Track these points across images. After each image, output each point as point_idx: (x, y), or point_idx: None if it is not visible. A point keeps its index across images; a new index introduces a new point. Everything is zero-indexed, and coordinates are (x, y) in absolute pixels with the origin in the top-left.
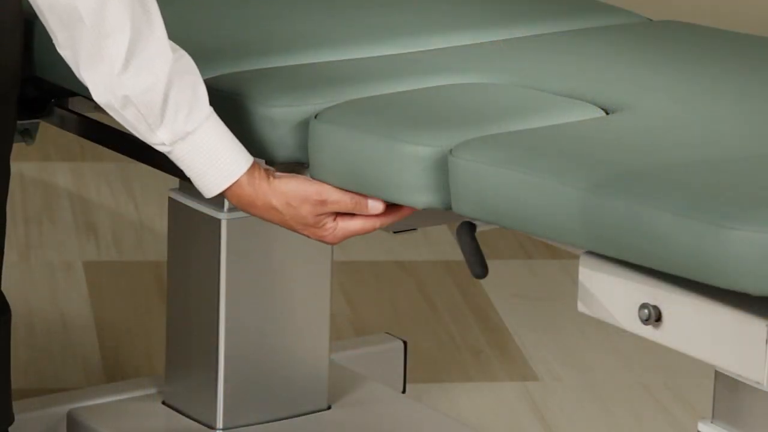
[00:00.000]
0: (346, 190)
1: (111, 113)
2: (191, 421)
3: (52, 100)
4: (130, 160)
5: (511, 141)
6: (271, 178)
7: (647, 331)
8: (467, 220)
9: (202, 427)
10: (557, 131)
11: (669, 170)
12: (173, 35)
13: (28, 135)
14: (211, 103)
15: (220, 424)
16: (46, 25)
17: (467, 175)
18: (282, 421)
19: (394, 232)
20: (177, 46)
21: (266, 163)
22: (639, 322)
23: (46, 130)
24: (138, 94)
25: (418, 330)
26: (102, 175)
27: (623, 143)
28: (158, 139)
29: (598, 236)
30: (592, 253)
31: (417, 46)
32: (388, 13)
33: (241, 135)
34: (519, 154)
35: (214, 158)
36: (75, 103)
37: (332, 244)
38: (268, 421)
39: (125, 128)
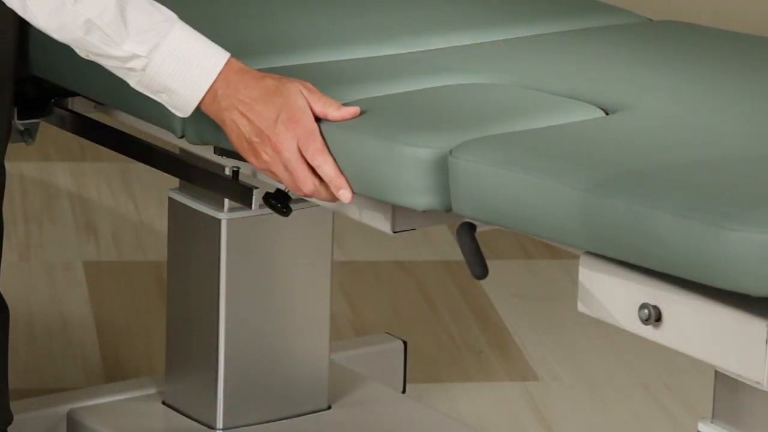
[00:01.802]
0: None
1: (73, 45)
2: (191, 421)
3: (52, 100)
4: (130, 160)
5: (511, 141)
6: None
7: (647, 331)
8: (467, 220)
9: (202, 427)
10: (557, 131)
11: (669, 170)
12: None
13: (28, 135)
14: None
15: (220, 424)
16: None
17: (467, 175)
18: (282, 421)
19: (394, 232)
20: None
21: None
22: (639, 322)
23: (46, 130)
24: (97, 15)
25: (418, 330)
26: (102, 175)
27: (623, 143)
28: (129, 51)
29: (598, 236)
30: (592, 254)
31: (417, 46)
32: (388, 13)
33: None
34: (519, 154)
35: (196, 53)
36: (75, 103)
37: (273, 150)
38: (268, 421)
39: (125, 128)
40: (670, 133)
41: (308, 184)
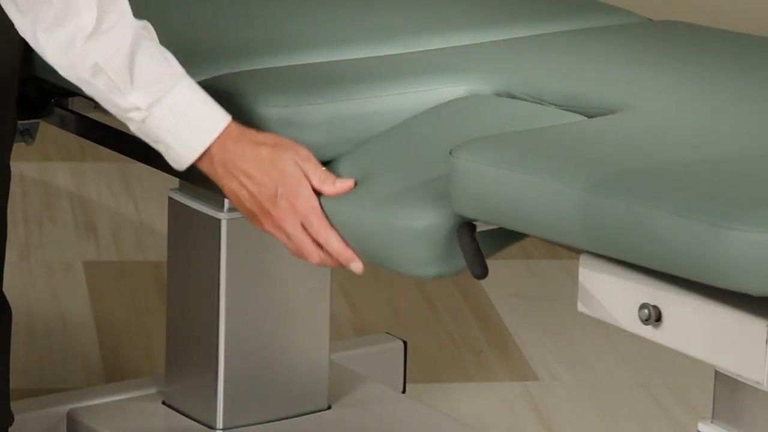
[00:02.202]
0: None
1: (79, 84)
2: (191, 421)
3: (52, 100)
4: (130, 160)
5: (511, 141)
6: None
7: (647, 331)
8: (467, 220)
9: (202, 427)
10: (557, 131)
11: (669, 170)
12: (173, 35)
13: (28, 135)
14: None
15: (220, 424)
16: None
17: (467, 175)
18: (282, 421)
19: None
20: (140, 20)
21: None
22: (639, 322)
23: (46, 130)
24: (106, 60)
25: (418, 330)
26: (102, 175)
27: (623, 143)
28: (132, 103)
29: (598, 236)
30: (592, 253)
31: (417, 46)
32: (388, 13)
33: None
34: (519, 154)
35: (196, 114)
36: (75, 103)
37: (274, 222)
38: (268, 421)
39: (125, 128)
40: (670, 133)
41: (314, 256)
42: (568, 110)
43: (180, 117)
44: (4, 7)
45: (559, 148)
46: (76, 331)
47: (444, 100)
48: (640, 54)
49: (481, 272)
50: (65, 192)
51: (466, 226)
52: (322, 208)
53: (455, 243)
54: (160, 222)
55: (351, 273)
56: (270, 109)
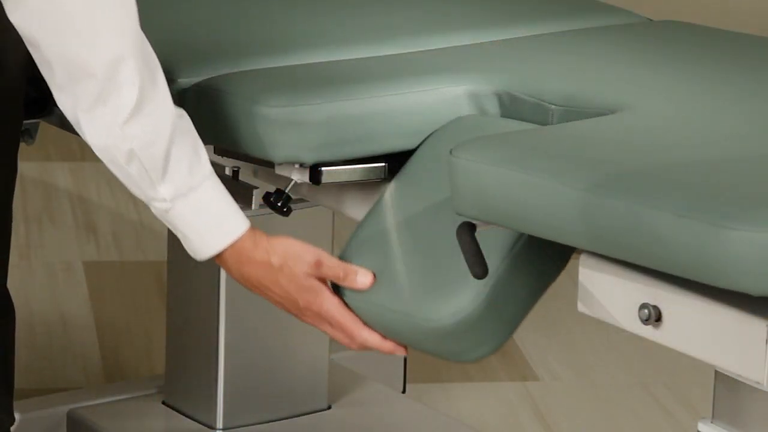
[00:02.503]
0: (339, 260)
1: (110, 166)
2: (191, 421)
3: (53, 100)
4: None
5: (510, 141)
6: (270, 238)
7: (647, 331)
8: (467, 220)
9: (202, 427)
10: (557, 131)
11: (669, 170)
12: (174, 35)
13: (28, 135)
14: (211, 103)
15: (220, 424)
16: (47, 71)
17: (467, 175)
18: (282, 421)
19: None
20: (177, 107)
21: (265, 163)
22: (639, 322)
23: (46, 130)
24: (142, 147)
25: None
26: (102, 175)
27: (623, 143)
28: (160, 194)
29: (598, 236)
30: (592, 253)
31: (417, 46)
32: (388, 13)
33: (241, 135)
34: (519, 154)
35: (216, 215)
36: None
37: (309, 321)
38: (268, 421)
39: None
40: (670, 133)
41: (355, 347)
42: (567, 110)
43: (201, 215)
44: (46, 79)
45: (559, 148)
46: (76, 331)
47: (444, 100)
48: (640, 54)
49: (481, 272)
50: (65, 192)
51: (466, 225)
52: (347, 304)
53: (485, 327)
54: (160, 222)
55: None
56: (270, 109)
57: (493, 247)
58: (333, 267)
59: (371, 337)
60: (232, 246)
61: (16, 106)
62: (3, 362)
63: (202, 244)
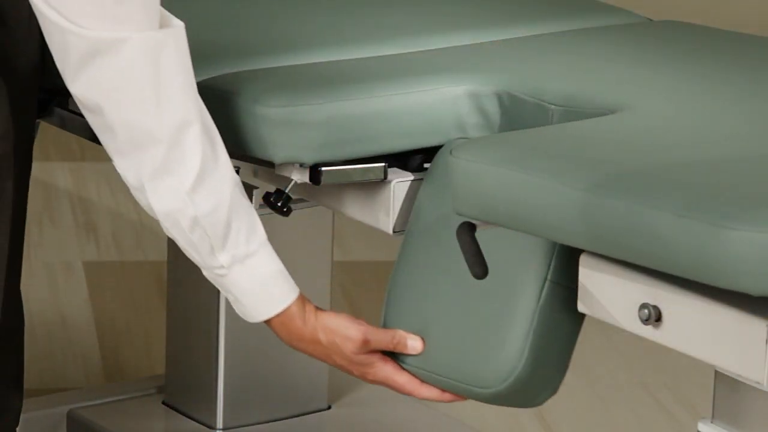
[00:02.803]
0: (387, 329)
1: (172, 231)
2: (191, 421)
3: (53, 100)
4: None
5: (510, 141)
6: (318, 312)
7: (647, 331)
8: (467, 220)
9: (202, 427)
10: (557, 131)
11: (669, 170)
12: None
13: None
14: (211, 102)
15: (220, 424)
16: (108, 136)
17: (467, 175)
18: (282, 421)
19: (394, 232)
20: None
21: (265, 163)
22: (639, 322)
23: (46, 130)
24: (205, 215)
25: None
26: (102, 175)
27: (623, 143)
28: (218, 261)
29: (597, 236)
30: (592, 253)
31: (417, 46)
32: (388, 13)
33: (241, 135)
34: (519, 154)
35: (268, 283)
36: (75, 103)
37: (371, 382)
38: (268, 421)
39: None
40: (670, 133)
41: (405, 385)
42: (567, 111)
43: (256, 282)
44: (105, 144)
45: (559, 148)
46: (76, 331)
47: (444, 100)
48: (640, 54)
49: (481, 272)
50: (65, 192)
51: (466, 225)
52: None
53: (538, 377)
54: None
55: (351, 273)
56: (270, 109)
57: (522, 302)
58: (381, 341)
59: (430, 393)
60: (280, 317)
61: (32, 99)
62: (17, 365)
63: (253, 310)
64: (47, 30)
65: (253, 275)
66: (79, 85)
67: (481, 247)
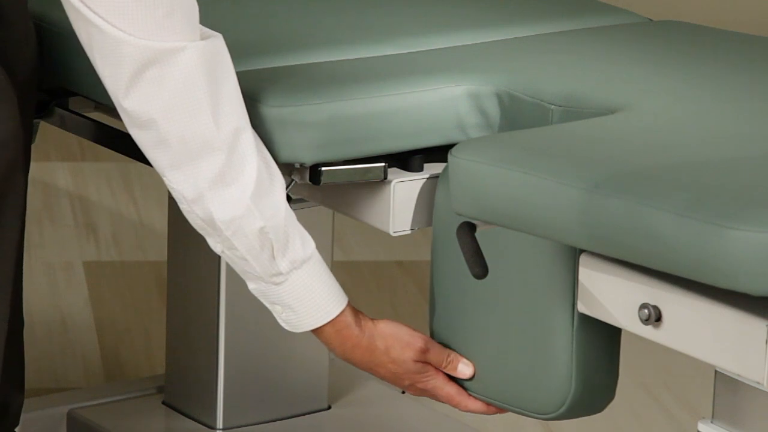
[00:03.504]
0: (443, 347)
1: (233, 239)
2: (191, 421)
3: (53, 100)
4: (130, 159)
5: (510, 141)
6: (374, 320)
7: (647, 331)
8: (467, 220)
9: (202, 427)
10: (557, 131)
11: (669, 170)
12: None
13: None
14: None
15: (220, 424)
16: (160, 151)
17: (467, 174)
18: (282, 421)
19: (394, 232)
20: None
21: None
22: (639, 322)
23: (46, 130)
24: (269, 219)
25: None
26: (102, 175)
27: (623, 143)
28: (278, 268)
29: (597, 236)
30: (592, 253)
31: (417, 46)
32: (388, 13)
33: None
34: (519, 153)
35: (323, 288)
36: (75, 103)
37: (413, 392)
38: (268, 421)
39: (125, 128)
40: (670, 133)
41: (453, 398)
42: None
43: (312, 287)
44: (156, 159)
45: (559, 148)
46: (76, 331)
47: (444, 100)
48: (640, 54)
49: (481, 272)
50: (65, 192)
51: (466, 225)
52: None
53: (592, 392)
54: (160, 222)
55: (351, 273)
56: (270, 109)
57: (558, 330)
58: (438, 354)
59: (476, 407)
60: (335, 321)
61: (31, 96)
62: (19, 365)
63: (309, 316)
64: (97, 43)
65: (309, 281)
66: (133, 100)
67: (508, 267)
